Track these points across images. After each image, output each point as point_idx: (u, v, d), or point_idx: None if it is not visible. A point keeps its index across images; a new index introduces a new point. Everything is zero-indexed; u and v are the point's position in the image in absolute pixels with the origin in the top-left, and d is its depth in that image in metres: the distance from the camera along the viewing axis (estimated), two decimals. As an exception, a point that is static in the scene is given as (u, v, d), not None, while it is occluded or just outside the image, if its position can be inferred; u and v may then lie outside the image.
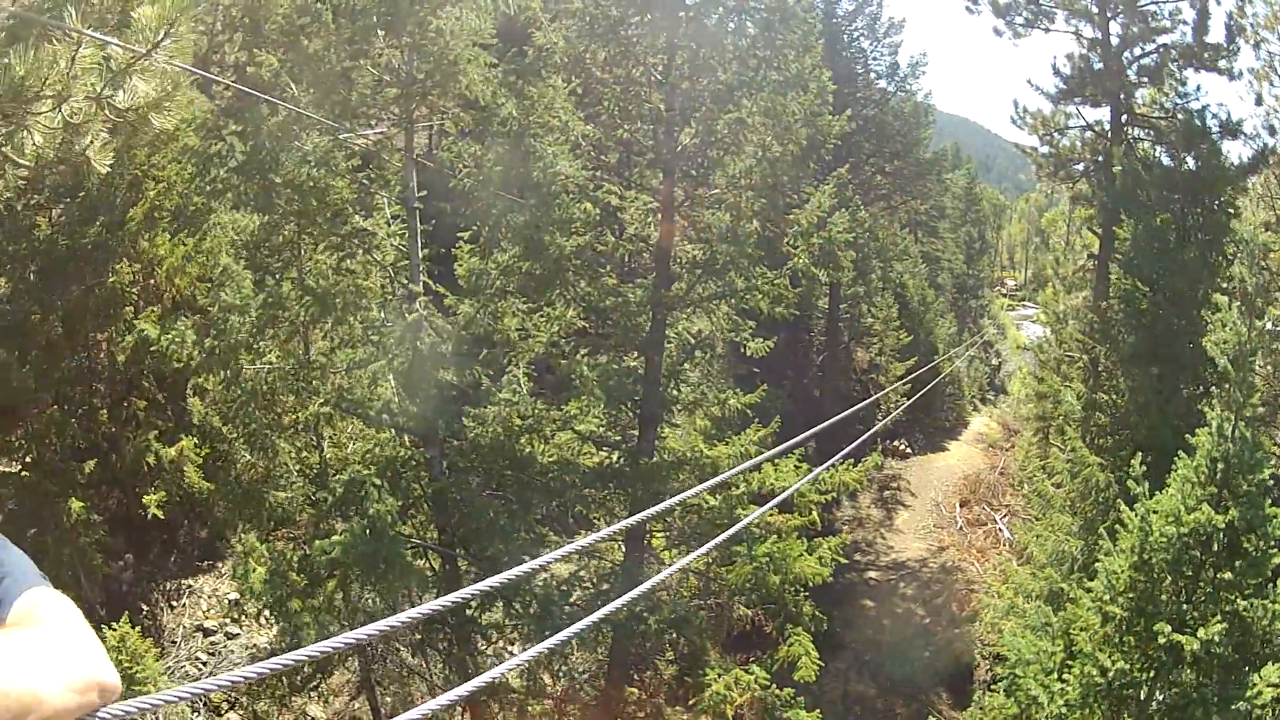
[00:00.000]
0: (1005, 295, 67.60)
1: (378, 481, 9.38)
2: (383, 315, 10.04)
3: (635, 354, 11.86)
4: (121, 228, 12.59)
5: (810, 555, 12.94)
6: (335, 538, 9.30)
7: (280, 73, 10.48)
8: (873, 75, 29.20)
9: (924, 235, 36.84)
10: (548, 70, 11.79)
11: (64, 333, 12.13)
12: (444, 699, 1.77)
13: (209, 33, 20.53)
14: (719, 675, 12.55)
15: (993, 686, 12.63)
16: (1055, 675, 8.97)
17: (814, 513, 14.40)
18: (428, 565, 11.14)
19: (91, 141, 4.06)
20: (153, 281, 13.17)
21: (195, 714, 12.84)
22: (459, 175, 10.35)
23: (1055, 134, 20.49)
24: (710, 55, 12.48)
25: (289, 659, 1.79)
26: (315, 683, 11.99)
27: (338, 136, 10.58)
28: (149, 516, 12.35)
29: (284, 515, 10.68)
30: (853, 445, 13.16)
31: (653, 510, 2.66)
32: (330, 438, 11.10)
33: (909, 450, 29.94)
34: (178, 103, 4.18)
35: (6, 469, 12.84)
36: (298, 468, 10.46)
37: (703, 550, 4.15)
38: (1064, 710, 8.50)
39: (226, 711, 13.59)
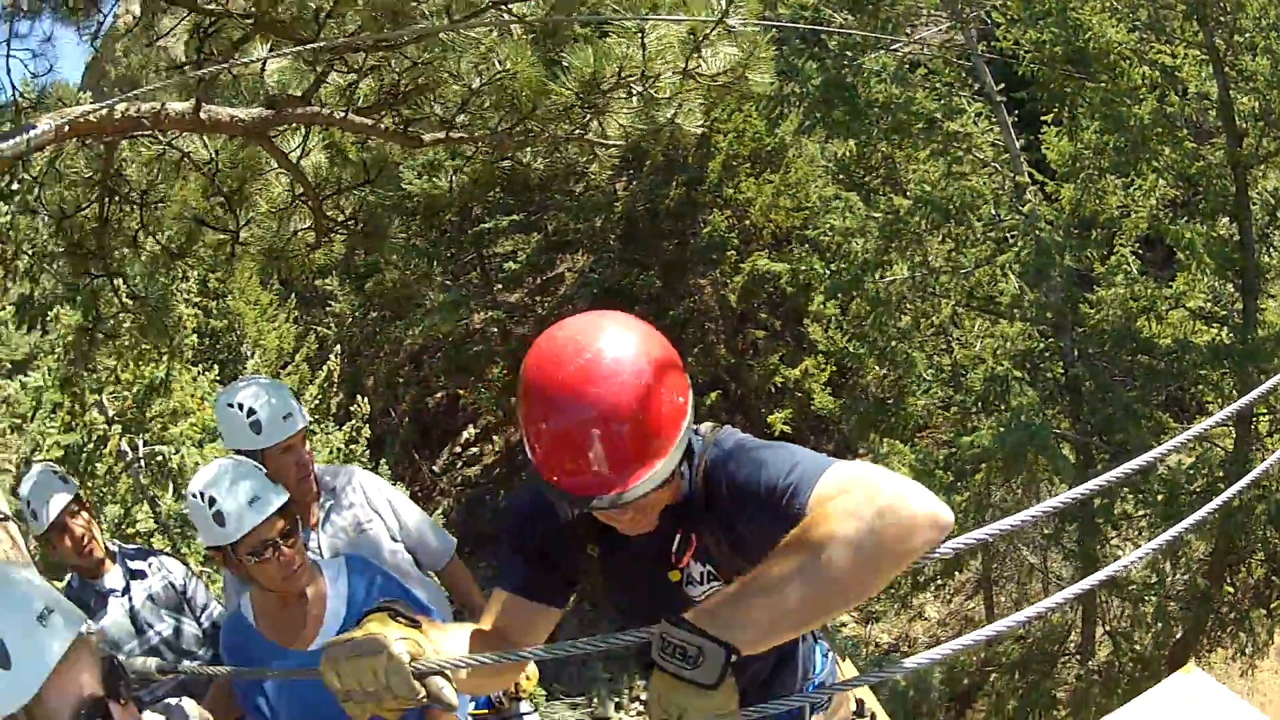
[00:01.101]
0: None
1: (1018, 374, 9.51)
2: (996, 211, 10.16)
3: (1227, 220, 11.07)
4: (702, 182, 13.79)
5: None
6: (982, 431, 9.52)
7: (819, 5, 10.80)
8: None
9: None
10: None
11: (664, 285, 13.48)
12: (1067, 593, 1.71)
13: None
14: (1306, 580, 11.52)
15: None
16: None
17: None
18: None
19: (679, 108, 4.39)
20: (747, 222, 14.19)
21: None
22: (1023, 61, 10.24)
23: None
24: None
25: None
26: (939, 582, 12.28)
27: (893, 50, 10.81)
28: (775, 435, 13.38)
29: (920, 421, 11.16)
30: None
31: (1251, 396, 2.28)
32: (958, 339, 11.40)
33: None
34: (764, 58, 4.44)
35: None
36: (930, 372, 10.81)
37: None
38: None
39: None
